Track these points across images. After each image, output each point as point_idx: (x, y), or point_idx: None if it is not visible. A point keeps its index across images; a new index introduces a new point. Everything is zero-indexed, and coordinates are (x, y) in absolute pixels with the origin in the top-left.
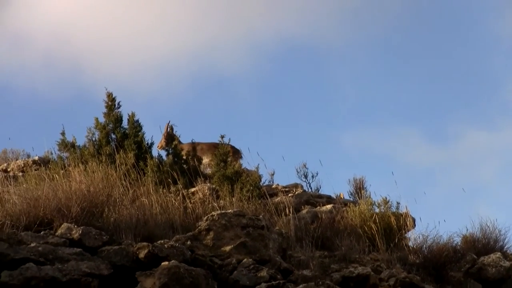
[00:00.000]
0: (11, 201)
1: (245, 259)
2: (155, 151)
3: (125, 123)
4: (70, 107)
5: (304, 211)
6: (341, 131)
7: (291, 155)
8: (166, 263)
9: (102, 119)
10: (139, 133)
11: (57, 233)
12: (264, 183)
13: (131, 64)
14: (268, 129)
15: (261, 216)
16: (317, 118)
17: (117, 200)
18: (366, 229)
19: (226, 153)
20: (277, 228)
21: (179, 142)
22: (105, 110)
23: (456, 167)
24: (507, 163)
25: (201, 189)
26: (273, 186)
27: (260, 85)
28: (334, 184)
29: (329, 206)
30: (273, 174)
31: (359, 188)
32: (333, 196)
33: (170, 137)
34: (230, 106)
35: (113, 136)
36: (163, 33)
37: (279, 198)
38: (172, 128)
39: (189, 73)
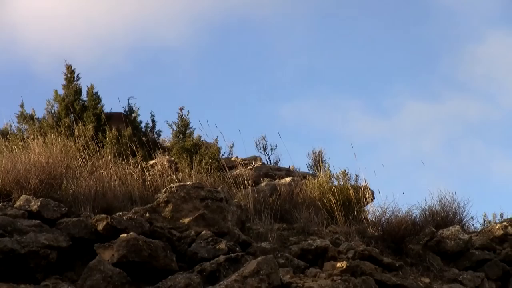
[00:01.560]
0: None
1: (203, 231)
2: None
3: (84, 96)
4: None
5: (263, 184)
6: (280, 103)
7: (229, 126)
8: (125, 235)
9: (61, 91)
10: (98, 105)
11: (15, 205)
12: (223, 155)
13: (69, 33)
14: (208, 102)
15: (220, 188)
16: (256, 90)
17: (76, 172)
18: (325, 201)
19: (185, 125)
20: (236, 200)
21: None
22: (64, 82)
23: (398, 139)
24: (448, 134)
25: (160, 161)
26: (232, 159)
27: (200, 56)
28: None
29: (288, 179)
30: (232, 147)
31: (318, 161)
32: (291, 168)
33: None
34: (170, 77)
35: (72, 108)
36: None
37: (238, 170)
38: None
39: (128, 44)
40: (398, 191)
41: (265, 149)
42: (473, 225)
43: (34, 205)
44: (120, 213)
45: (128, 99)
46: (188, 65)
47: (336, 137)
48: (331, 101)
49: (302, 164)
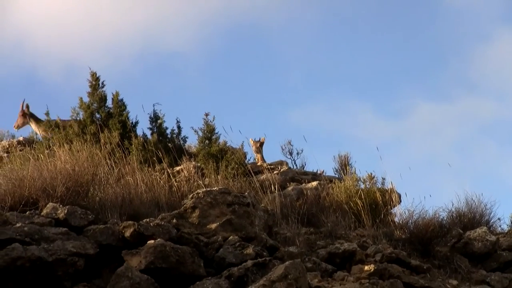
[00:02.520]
0: None
1: (231, 237)
2: (139, 130)
3: (109, 102)
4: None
5: (289, 188)
6: (288, 108)
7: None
8: (152, 241)
9: (86, 99)
10: (124, 112)
11: (42, 213)
12: (249, 160)
13: (77, 40)
14: (218, 107)
15: (246, 193)
16: (265, 95)
17: (102, 179)
18: (352, 205)
19: (210, 131)
20: (262, 205)
21: (38, 120)
22: (89, 89)
23: (411, 141)
24: (461, 134)
25: (186, 167)
26: (258, 164)
27: (208, 61)
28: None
29: (314, 183)
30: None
31: (344, 164)
32: (318, 172)
33: (28, 116)
34: (178, 82)
35: (98, 115)
36: (113, 10)
37: (264, 175)
38: (28, 107)
39: (138, 49)
40: (423, 193)
41: (291, 154)
42: (500, 226)
43: (61, 213)
44: (147, 220)
45: (154, 106)
46: (197, 70)
47: (349, 140)
48: (341, 104)
49: (327, 168)
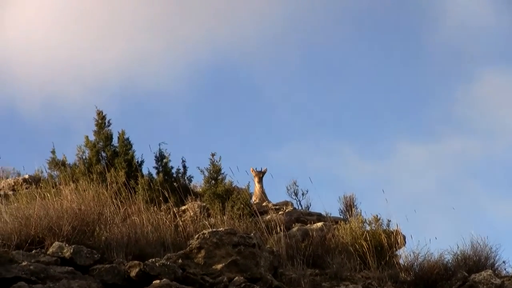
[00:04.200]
0: (2, 219)
1: (236, 277)
2: (145, 169)
3: (115, 141)
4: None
5: (294, 229)
6: (272, 148)
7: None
8: (158, 281)
9: (92, 137)
10: (129, 151)
11: (48, 252)
12: (254, 201)
13: (59, 78)
14: (201, 147)
15: (252, 234)
16: (249, 136)
17: (108, 218)
18: (357, 247)
19: (216, 171)
20: (268, 246)
21: None
22: (95, 128)
23: (396, 182)
24: (446, 174)
25: (191, 207)
26: (264, 204)
27: (192, 102)
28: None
29: (319, 224)
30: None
31: (349, 205)
32: (324, 214)
33: None
34: (161, 123)
35: (104, 154)
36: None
37: (269, 216)
38: None
39: (119, 89)
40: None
41: (296, 194)
42: (505, 269)
43: (67, 252)
44: (153, 260)
45: (159, 145)
46: (179, 110)
47: (335, 182)
48: (326, 145)
49: (332, 209)
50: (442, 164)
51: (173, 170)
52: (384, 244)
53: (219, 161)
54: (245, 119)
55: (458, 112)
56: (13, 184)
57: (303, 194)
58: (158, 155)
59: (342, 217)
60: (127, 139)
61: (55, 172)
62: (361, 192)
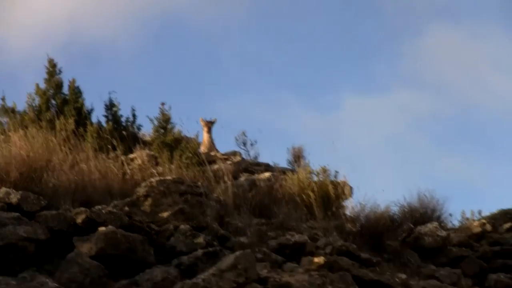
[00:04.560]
0: None
1: (182, 226)
2: (94, 118)
3: (65, 90)
4: None
5: (242, 179)
6: (221, 99)
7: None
8: (103, 228)
9: (42, 85)
10: (79, 99)
11: None
12: (203, 150)
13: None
14: (151, 97)
15: (199, 183)
16: (194, 87)
17: (57, 165)
18: (304, 197)
19: (166, 120)
20: (215, 195)
21: None
22: (45, 76)
23: (344, 135)
24: (394, 129)
25: (140, 155)
26: (212, 154)
27: (141, 52)
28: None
29: (267, 174)
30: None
31: (297, 156)
32: (272, 164)
33: None
34: (111, 73)
35: (54, 102)
36: None
37: (218, 165)
38: None
39: (62, 39)
40: (374, 187)
41: (244, 144)
42: (451, 222)
43: (14, 197)
44: (100, 207)
45: (109, 94)
46: (128, 60)
47: (279, 133)
48: (269, 96)
49: (281, 159)
50: (390, 117)
51: (123, 119)
52: (331, 195)
53: (169, 110)
54: (195, 69)
55: (406, 66)
56: None
57: (251, 145)
58: (108, 103)
59: (290, 168)
60: (77, 87)
61: (4, 119)
62: (309, 144)
